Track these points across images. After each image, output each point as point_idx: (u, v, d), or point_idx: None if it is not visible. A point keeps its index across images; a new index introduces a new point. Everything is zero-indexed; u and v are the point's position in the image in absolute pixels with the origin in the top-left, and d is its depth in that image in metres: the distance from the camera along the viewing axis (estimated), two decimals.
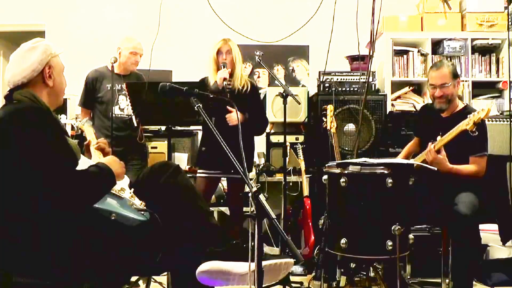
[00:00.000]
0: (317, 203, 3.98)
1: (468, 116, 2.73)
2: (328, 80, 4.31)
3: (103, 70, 3.80)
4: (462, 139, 2.78)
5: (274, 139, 4.54)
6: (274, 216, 1.60)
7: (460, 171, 2.87)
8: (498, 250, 3.51)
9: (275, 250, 4.15)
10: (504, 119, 3.98)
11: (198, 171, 3.53)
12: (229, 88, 3.36)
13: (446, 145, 2.84)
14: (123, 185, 2.05)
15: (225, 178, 3.62)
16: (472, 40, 4.58)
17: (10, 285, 1.77)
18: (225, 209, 4.18)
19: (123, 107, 3.73)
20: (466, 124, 2.71)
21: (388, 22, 4.65)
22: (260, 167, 4.28)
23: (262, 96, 5.02)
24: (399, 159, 3.14)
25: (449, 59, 4.59)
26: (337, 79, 4.33)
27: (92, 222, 1.84)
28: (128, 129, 3.71)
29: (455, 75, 3.03)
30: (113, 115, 3.65)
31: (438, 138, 2.92)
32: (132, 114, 3.65)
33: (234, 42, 3.47)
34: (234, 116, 3.32)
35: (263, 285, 1.64)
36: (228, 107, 3.28)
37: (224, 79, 3.30)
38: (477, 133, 2.73)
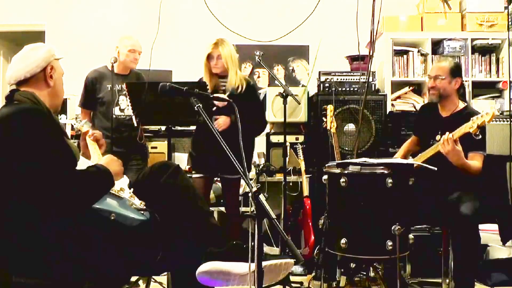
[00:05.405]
0: (317, 203, 3.97)
1: (472, 119, 2.69)
2: (328, 80, 4.31)
3: (102, 70, 3.79)
4: (462, 138, 2.78)
5: (274, 139, 4.54)
6: (274, 216, 1.60)
7: (470, 167, 2.83)
8: (498, 250, 3.51)
9: (275, 250, 4.15)
10: (504, 119, 3.98)
11: (193, 172, 3.53)
12: (223, 90, 3.37)
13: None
14: (122, 185, 2.05)
15: (220, 179, 3.62)
16: (472, 40, 4.58)
17: (10, 285, 1.77)
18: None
19: (124, 107, 3.72)
20: (469, 127, 2.68)
21: (388, 22, 4.65)
22: (260, 167, 4.28)
23: (262, 96, 5.04)
24: (399, 159, 3.14)
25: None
26: (337, 79, 4.33)
27: (92, 222, 1.84)
28: (129, 129, 3.70)
29: (454, 73, 3.01)
30: (114, 116, 3.65)
31: (438, 137, 2.92)
32: (132, 114, 3.66)
33: (226, 43, 3.38)
34: (221, 121, 3.28)
35: (263, 285, 1.64)
36: (216, 116, 3.26)
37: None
38: (480, 136, 2.73)
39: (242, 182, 3.95)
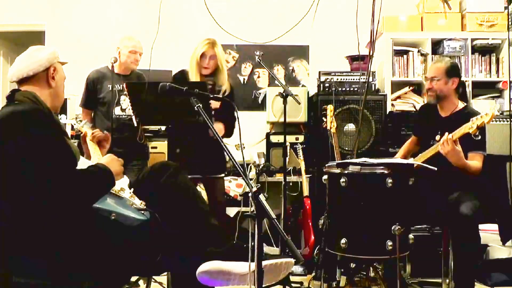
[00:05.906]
0: (317, 203, 3.98)
1: (471, 119, 2.69)
2: (328, 80, 4.32)
3: (104, 70, 3.79)
4: (461, 138, 2.78)
5: (274, 139, 4.54)
6: (274, 216, 1.60)
7: (470, 167, 2.83)
8: (498, 250, 3.51)
9: (275, 250, 4.15)
10: (504, 119, 3.99)
11: None
12: (210, 89, 3.36)
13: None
14: (122, 185, 2.05)
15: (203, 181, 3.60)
16: (472, 40, 4.58)
17: (10, 285, 1.77)
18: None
19: (125, 107, 3.72)
20: (469, 128, 2.67)
21: (388, 22, 4.65)
22: (260, 167, 4.28)
23: (262, 96, 5.05)
24: (399, 159, 3.14)
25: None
26: (337, 79, 4.33)
27: (92, 222, 1.84)
28: (129, 129, 3.70)
29: (450, 73, 3.00)
30: (115, 116, 3.65)
31: (437, 137, 2.92)
32: (132, 114, 3.65)
33: (219, 44, 3.38)
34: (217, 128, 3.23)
35: (263, 285, 1.64)
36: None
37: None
38: (480, 137, 2.73)
39: (242, 182, 3.95)
